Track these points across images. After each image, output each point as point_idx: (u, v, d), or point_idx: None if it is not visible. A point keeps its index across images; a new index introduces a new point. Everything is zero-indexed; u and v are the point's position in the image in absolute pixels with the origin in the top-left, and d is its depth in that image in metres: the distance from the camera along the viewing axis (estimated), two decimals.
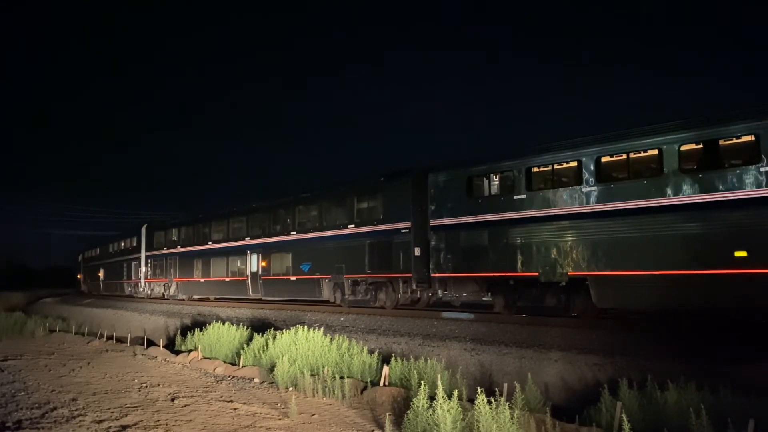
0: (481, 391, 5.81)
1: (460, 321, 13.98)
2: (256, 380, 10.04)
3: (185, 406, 8.21)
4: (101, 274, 42.99)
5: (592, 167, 12.26)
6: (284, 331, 11.24)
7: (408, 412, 6.20)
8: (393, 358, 9.32)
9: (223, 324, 13.49)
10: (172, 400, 8.60)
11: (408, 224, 16.50)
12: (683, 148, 11.05)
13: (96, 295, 42.18)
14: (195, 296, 28.62)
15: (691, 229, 10.73)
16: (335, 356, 10.01)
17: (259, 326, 14.35)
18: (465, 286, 15.05)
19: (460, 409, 5.83)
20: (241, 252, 24.06)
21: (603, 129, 12.75)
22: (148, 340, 16.45)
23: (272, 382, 9.61)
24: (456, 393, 5.99)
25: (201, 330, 13.57)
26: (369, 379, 9.09)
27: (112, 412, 7.81)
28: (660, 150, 11.29)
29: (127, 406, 8.22)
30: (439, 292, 16.00)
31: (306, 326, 11.04)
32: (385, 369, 8.87)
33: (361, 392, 8.44)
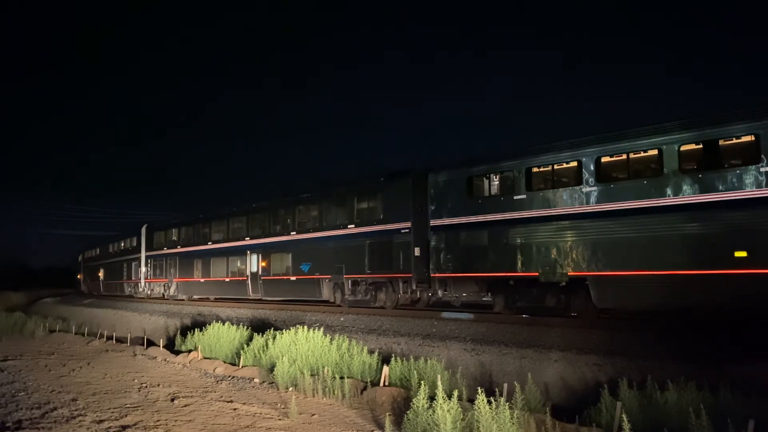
0: (481, 391, 5.81)
1: (460, 321, 13.98)
2: (256, 380, 10.04)
3: (185, 406, 8.22)
4: (101, 274, 43.00)
5: (592, 167, 12.26)
6: (284, 331, 11.24)
7: (408, 412, 6.20)
8: (393, 358, 9.33)
9: (223, 324, 13.50)
10: (172, 400, 8.60)
11: (408, 224, 16.50)
12: (683, 148, 11.05)
13: (96, 295, 42.18)
14: (195, 296, 28.62)
15: (691, 230, 10.73)
16: (335, 356, 10.02)
17: (259, 326, 14.35)
18: (465, 287, 15.05)
19: (460, 409, 5.83)
20: (241, 252, 24.06)
21: (603, 129, 12.76)
22: (148, 340, 16.44)
23: (272, 383, 9.61)
24: (456, 393, 6.00)
25: (201, 330, 13.57)
26: (369, 379, 9.09)
27: (112, 412, 7.81)
28: (660, 150, 11.29)
29: (127, 406, 8.22)
30: (439, 292, 15.99)
31: (306, 326, 11.05)
32: (385, 369, 8.87)
33: (361, 392, 8.43)
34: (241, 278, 23.96)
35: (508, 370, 10.19)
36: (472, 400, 5.96)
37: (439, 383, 6.20)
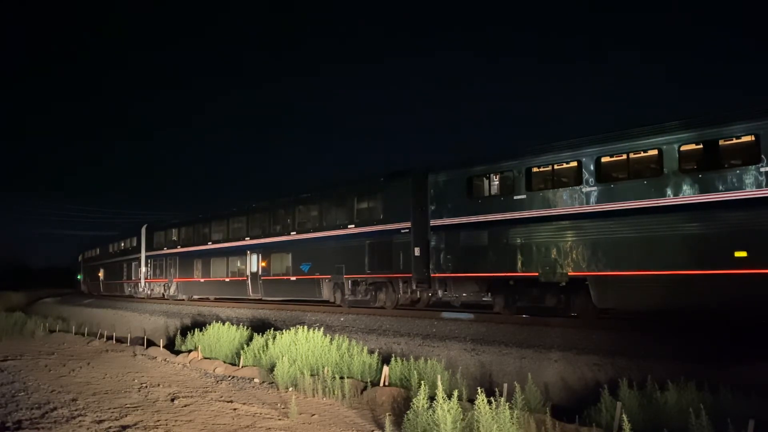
0: (482, 391, 5.81)
1: (460, 321, 13.98)
2: (256, 380, 10.04)
3: (185, 406, 8.22)
4: (101, 274, 42.98)
5: (592, 167, 12.25)
6: (284, 331, 11.24)
7: (408, 412, 6.20)
8: (393, 359, 9.32)
9: (223, 324, 13.49)
10: (172, 400, 8.60)
11: (408, 224, 16.50)
12: (683, 148, 11.05)
13: (96, 295, 42.17)
14: (195, 296, 28.61)
15: (691, 230, 10.73)
16: (335, 356, 10.01)
17: (259, 326, 14.35)
18: (465, 287, 15.04)
19: (460, 409, 5.83)
20: (241, 252, 24.05)
21: (603, 129, 12.75)
22: (148, 340, 16.44)
23: (272, 383, 9.61)
24: (456, 393, 5.99)
25: (201, 330, 13.57)
26: (369, 380, 9.09)
27: (112, 413, 7.81)
28: (660, 150, 11.29)
29: (127, 406, 8.22)
30: (439, 292, 15.98)
31: (306, 326, 11.04)
32: (385, 369, 8.87)
33: (361, 392, 8.44)
34: (241, 278, 23.95)
35: (508, 370, 10.18)
36: (472, 400, 5.96)
37: (439, 383, 6.20)
